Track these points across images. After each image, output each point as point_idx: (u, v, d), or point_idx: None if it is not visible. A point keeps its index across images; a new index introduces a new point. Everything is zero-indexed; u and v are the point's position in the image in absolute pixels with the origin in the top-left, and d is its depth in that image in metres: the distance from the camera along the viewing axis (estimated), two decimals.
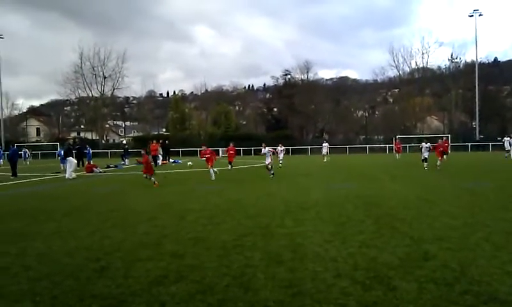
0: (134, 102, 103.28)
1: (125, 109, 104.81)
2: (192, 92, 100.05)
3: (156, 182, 16.42)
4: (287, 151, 57.62)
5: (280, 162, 27.14)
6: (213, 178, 18.34)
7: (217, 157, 20.10)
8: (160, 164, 32.95)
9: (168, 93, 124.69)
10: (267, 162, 19.73)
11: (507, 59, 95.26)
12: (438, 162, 21.93)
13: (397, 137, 47.15)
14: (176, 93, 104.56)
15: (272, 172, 19.19)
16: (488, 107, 64.92)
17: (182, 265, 5.61)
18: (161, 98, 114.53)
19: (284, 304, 4.18)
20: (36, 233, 7.84)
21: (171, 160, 37.39)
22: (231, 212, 9.80)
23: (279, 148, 27.60)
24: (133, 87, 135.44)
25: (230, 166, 24.46)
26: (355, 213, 9.33)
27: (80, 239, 7.27)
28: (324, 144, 37.73)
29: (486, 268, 5.16)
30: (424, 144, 23.72)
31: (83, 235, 7.64)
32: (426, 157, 22.58)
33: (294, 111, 73.44)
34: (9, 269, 5.57)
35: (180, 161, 38.52)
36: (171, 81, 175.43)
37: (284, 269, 5.30)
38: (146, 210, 10.46)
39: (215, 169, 19.00)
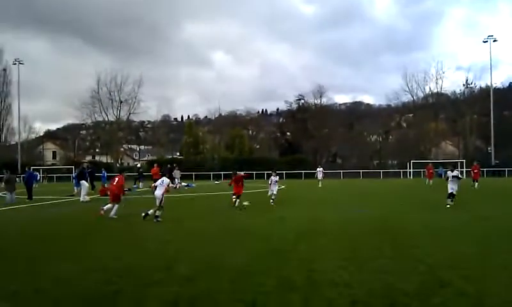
0: (149, 125, 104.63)
1: (140, 133, 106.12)
2: (206, 116, 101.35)
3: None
4: (299, 176, 57.99)
5: (273, 196, 18.52)
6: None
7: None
8: (176, 187, 33.12)
9: (182, 117, 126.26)
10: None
11: None
12: None
13: (429, 162, 44.31)
14: (191, 117, 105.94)
15: None
16: (503, 133, 64.03)
17: (194, 289, 5.57)
18: (176, 123, 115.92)
19: None
20: (49, 256, 7.89)
21: (183, 184, 37.55)
22: (243, 236, 9.76)
23: (272, 177, 19.34)
24: (149, 111, 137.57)
25: (234, 198, 17.07)
26: (369, 238, 9.21)
27: (92, 261, 7.29)
28: (318, 169, 37.76)
29: (504, 296, 5.02)
30: (449, 172, 16.42)
31: (96, 256, 7.67)
32: (453, 191, 15.88)
33: (308, 135, 73.58)
34: (21, 293, 5.59)
35: (193, 185, 38.72)
36: (186, 105, 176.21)
37: (298, 296, 5.23)
38: (158, 232, 10.47)
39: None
